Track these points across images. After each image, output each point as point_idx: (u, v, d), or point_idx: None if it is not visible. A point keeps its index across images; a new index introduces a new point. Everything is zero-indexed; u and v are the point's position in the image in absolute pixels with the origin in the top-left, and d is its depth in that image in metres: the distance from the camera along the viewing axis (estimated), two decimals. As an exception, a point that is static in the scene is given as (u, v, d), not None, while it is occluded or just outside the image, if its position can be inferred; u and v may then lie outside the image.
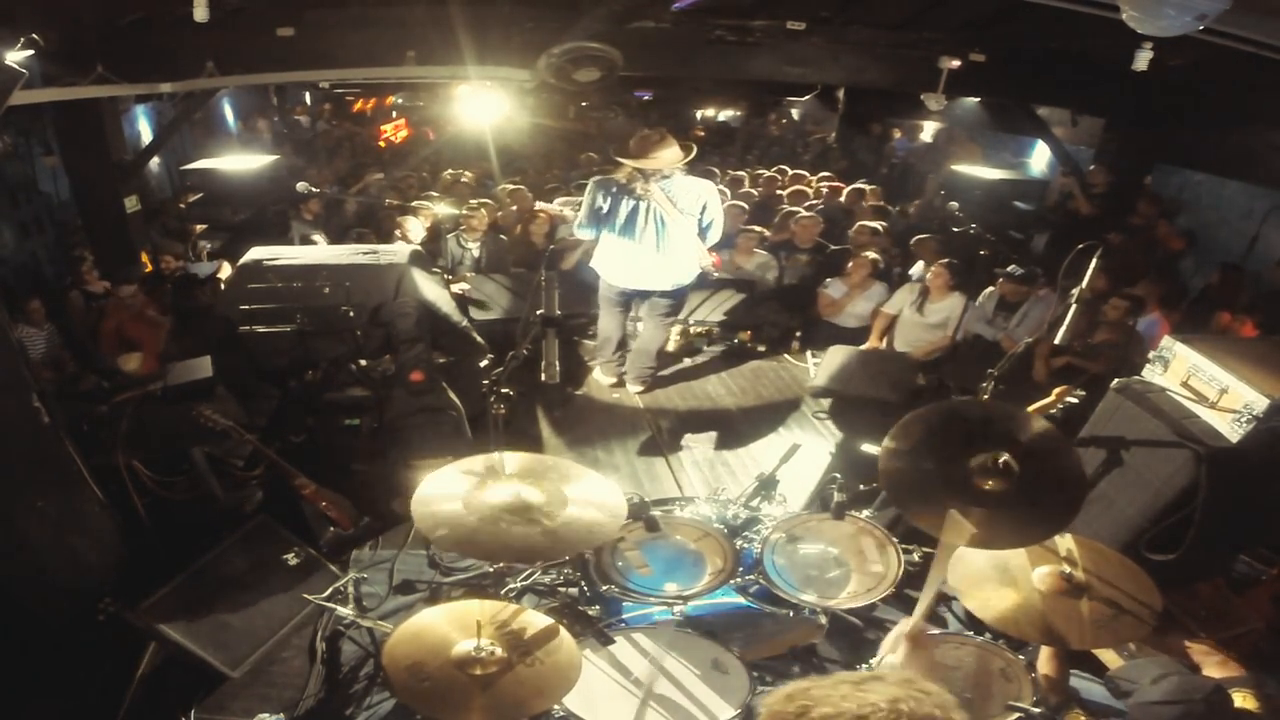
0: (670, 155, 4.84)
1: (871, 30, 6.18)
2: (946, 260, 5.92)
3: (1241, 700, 2.16)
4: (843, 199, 8.57)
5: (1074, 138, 8.51)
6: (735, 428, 5.23)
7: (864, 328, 6.23)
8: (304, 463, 3.90)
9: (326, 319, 4.33)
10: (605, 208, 4.99)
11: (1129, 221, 7.03)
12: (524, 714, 2.11)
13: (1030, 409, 3.07)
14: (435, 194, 7.80)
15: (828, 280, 6.42)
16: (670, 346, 6.09)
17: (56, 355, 5.20)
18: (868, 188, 8.62)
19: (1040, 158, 10.15)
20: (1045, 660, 2.48)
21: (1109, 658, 2.84)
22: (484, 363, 4.86)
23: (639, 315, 5.58)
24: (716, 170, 9.35)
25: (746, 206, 7.47)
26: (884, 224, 7.40)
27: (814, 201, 8.51)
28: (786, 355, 6.35)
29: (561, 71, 5.51)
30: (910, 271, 6.77)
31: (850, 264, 6.25)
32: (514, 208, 7.43)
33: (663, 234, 4.96)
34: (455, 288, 5.83)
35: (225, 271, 6.37)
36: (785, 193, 8.66)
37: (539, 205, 6.99)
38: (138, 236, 6.72)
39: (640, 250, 5.00)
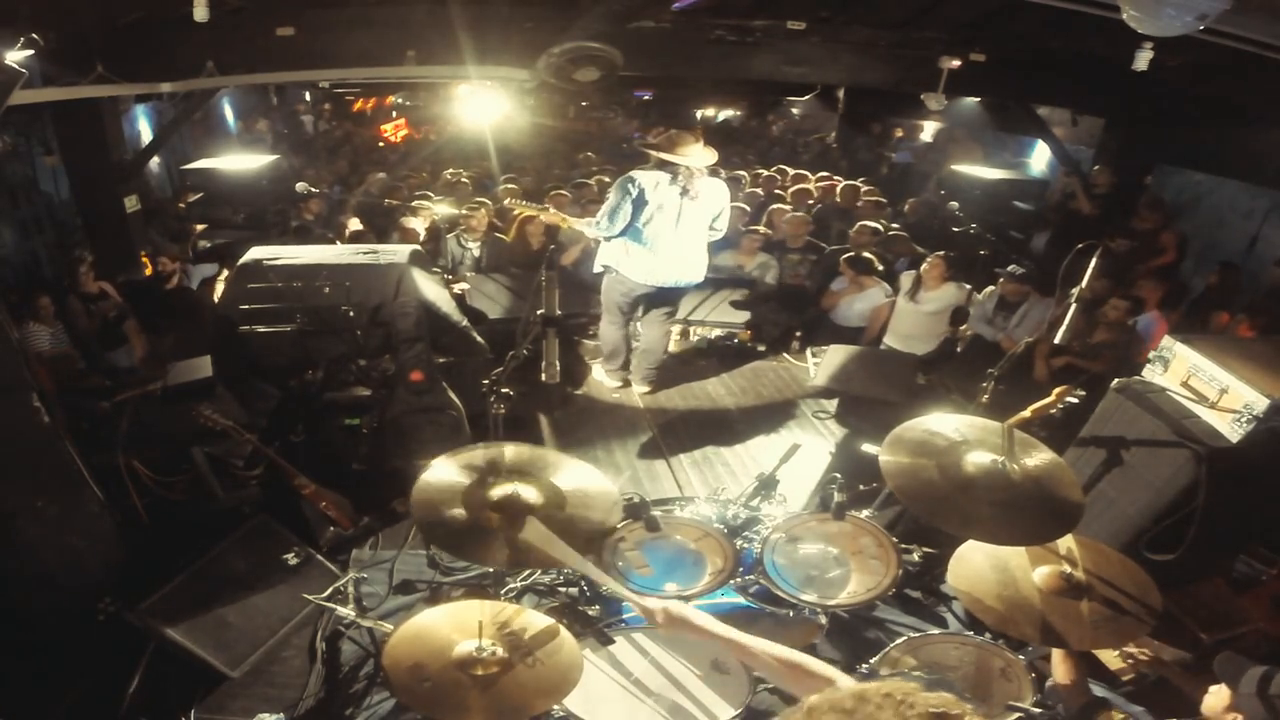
0: (704, 154, 4.85)
1: (871, 30, 6.18)
2: (943, 252, 5.94)
3: None
4: (837, 198, 8.55)
5: (1074, 138, 8.51)
6: (735, 428, 5.23)
7: (863, 327, 6.24)
8: (304, 463, 3.91)
9: (326, 319, 4.33)
10: (649, 203, 4.87)
11: (1134, 226, 7.02)
12: (525, 714, 2.11)
13: (1029, 409, 3.07)
14: (434, 194, 7.79)
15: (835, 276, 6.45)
16: (670, 347, 6.10)
17: (61, 353, 5.19)
18: (863, 187, 8.62)
19: (1040, 158, 10.15)
20: (1058, 665, 2.45)
21: (1108, 658, 2.85)
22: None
23: (639, 317, 5.58)
24: (721, 170, 9.34)
25: (749, 208, 7.46)
26: (894, 226, 7.40)
27: (814, 201, 8.51)
28: (786, 355, 6.35)
29: (561, 71, 5.51)
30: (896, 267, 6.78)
31: (842, 264, 6.26)
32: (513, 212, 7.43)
33: (694, 230, 4.98)
34: (456, 288, 5.83)
35: (222, 273, 6.36)
36: (787, 192, 8.66)
37: (517, 207, 6.13)
38: (138, 236, 6.72)
39: (676, 246, 4.98)
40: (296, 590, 3.46)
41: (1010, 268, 5.74)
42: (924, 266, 5.93)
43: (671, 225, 4.92)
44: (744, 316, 6.27)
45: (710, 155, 4.91)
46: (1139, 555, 2.78)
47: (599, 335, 5.68)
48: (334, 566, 3.67)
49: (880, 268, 6.31)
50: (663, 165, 4.84)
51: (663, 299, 5.29)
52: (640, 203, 4.88)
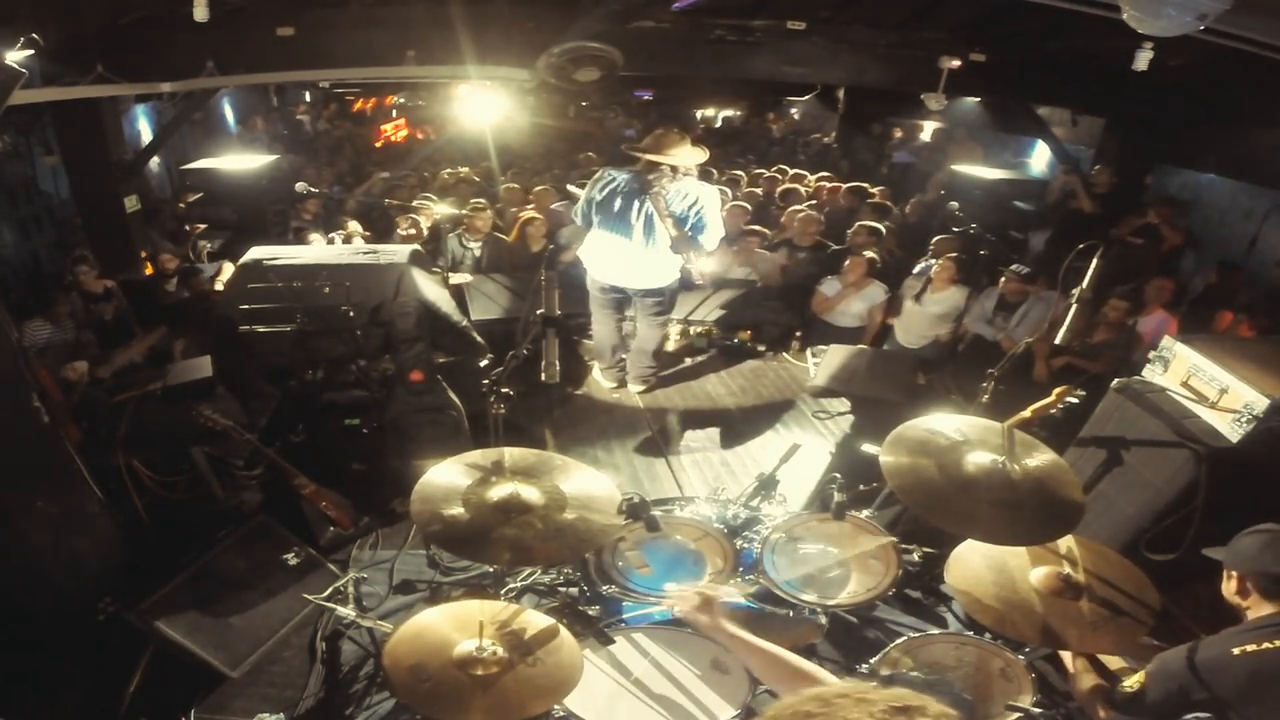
0: (688, 154, 4.82)
1: (871, 30, 6.18)
2: (955, 255, 5.93)
3: None
4: (841, 199, 8.55)
5: (1074, 138, 8.51)
6: (735, 428, 5.23)
7: (861, 327, 6.24)
8: (304, 463, 3.91)
9: (326, 319, 4.33)
10: (600, 199, 4.98)
11: (1145, 223, 6.99)
12: (524, 714, 2.11)
13: (1029, 409, 3.07)
14: (434, 194, 7.79)
15: (824, 279, 6.43)
16: (670, 346, 6.08)
17: (63, 350, 5.16)
18: (873, 189, 8.60)
19: (1040, 158, 10.15)
20: (1079, 673, 2.41)
21: (1107, 657, 2.84)
22: (484, 363, 4.86)
23: (634, 315, 5.59)
24: (714, 170, 9.33)
25: (749, 207, 7.45)
26: (888, 224, 7.39)
27: (811, 201, 8.49)
28: (786, 355, 6.34)
29: (561, 71, 5.51)
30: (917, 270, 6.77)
31: (846, 263, 6.25)
32: (513, 209, 7.42)
33: (650, 233, 4.94)
34: (455, 279, 5.82)
35: (226, 273, 6.36)
36: (777, 191, 8.66)
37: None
38: (138, 236, 6.72)
39: (626, 246, 4.98)
40: (296, 590, 3.46)
41: (1014, 267, 5.73)
42: (935, 269, 5.92)
43: (630, 226, 4.92)
44: (744, 317, 6.26)
45: (698, 155, 4.88)
46: (1139, 555, 2.78)
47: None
48: (334, 566, 3.68)
49: (879, 267, 6.30)
50: (645, 166, 4.82)
51: (640, 299, 5.26)
52: (602, 200, 4.95)
